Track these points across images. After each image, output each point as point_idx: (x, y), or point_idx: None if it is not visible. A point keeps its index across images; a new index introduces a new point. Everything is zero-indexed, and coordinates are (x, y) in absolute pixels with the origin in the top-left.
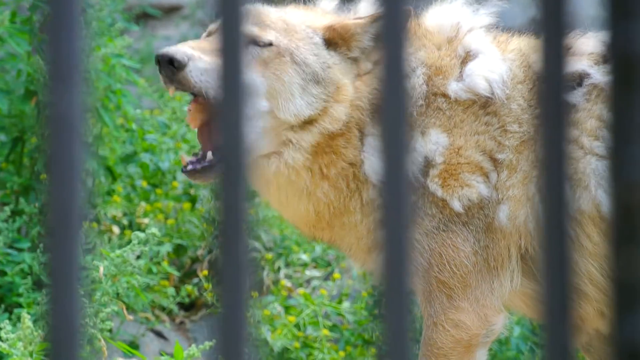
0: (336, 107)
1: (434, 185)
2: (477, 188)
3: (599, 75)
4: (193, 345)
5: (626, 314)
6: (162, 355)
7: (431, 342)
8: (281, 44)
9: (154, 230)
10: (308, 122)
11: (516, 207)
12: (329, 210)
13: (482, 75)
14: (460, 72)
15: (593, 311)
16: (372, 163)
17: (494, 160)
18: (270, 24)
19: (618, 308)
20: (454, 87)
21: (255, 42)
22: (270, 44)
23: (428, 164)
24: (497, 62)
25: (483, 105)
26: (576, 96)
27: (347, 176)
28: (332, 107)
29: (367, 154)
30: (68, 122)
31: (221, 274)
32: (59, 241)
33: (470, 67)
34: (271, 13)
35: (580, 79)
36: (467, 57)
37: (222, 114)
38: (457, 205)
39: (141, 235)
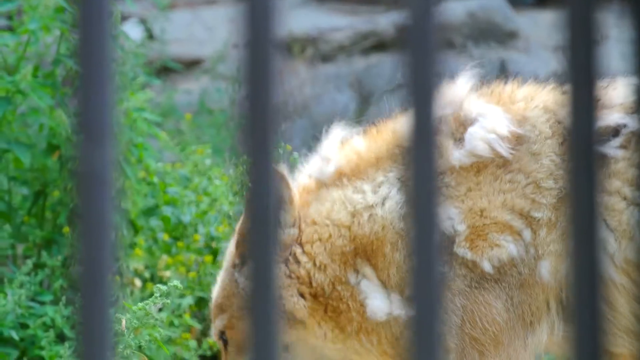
0: None
1: (462, 250)
2: (507, 248)
3: (635, 122)
4: None
5: None
6: None
7: None
8: None
9: (175, 282)
10: None
11: (557, 262)
12: None
13: (480, 138)
14: (461, 139)
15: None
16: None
17: (528, 218)
18: None
19: None
20: (456, 156)
21: None
22: None
23: (452, 236)
24: (497, 121)
25: (502, 164)
26: (612, 147)
27: None
28: None
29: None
30: (99, 177)
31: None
32: (87, 294)
33: (470, 131)
34: None
35: (615, 130)
36: (467, 123)
37: None
38: (487, 266)
39: (163, 287)
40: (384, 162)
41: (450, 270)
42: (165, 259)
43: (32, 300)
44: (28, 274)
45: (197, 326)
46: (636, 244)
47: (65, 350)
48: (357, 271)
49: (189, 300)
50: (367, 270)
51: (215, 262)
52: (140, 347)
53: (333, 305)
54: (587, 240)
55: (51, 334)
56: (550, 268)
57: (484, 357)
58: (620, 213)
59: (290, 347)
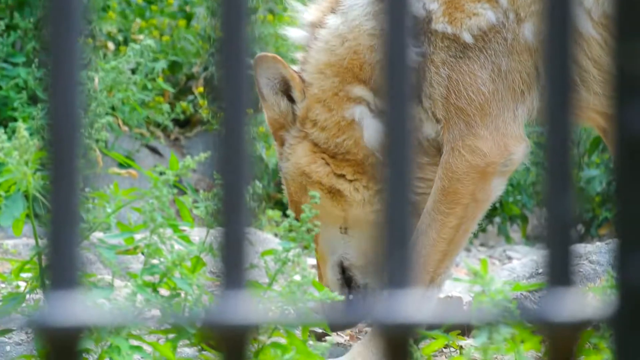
0: None
1: (441, 25)
2: (485, 15)
3: None
4: (188, 157)
5: (627, 102)
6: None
7: (447, 166)
8: None
9: (149, 42)
10: None
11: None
12: None
13: None
14: None
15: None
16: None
17: None
18: None
19: (619, 96)
20: None
21: None
22: None
23: (427, 16)
24: None
25: None
26: None
27: None
28: None
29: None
30: None
31: (218, 90)
32: (56, 55)
33: None
34: None
35: None
36: None
37: None
38: (467, 37)
39: (136, 47)
40: None
41: (430, 46)
42: (138, 22)
43: (5, 61)
44: (0, 35)
45: (171, 90)
46: None
47: (37, 111)
48: (352, 100)
49: (162, 64)
50: (360, 90)
51: (190, 27)
52: (113, 108)
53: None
54: None
55: (24, 95)
56: (534, 29)
57: (470, 127)
58: None
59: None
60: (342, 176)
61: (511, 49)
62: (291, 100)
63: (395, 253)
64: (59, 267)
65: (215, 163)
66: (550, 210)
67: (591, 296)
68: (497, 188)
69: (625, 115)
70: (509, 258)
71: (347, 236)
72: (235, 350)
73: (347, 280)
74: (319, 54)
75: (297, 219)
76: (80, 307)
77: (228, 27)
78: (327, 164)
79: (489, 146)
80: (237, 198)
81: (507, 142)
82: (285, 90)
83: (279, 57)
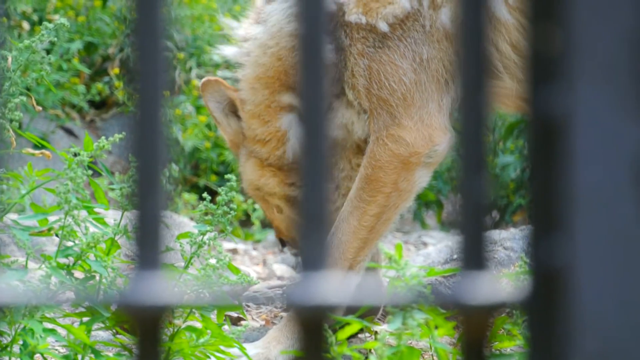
0: None
1: (354, 17)
2: (399, 3)
3: None
4: (103, 137)
5: (541, 85)
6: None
7: (371, 155)
8: None
9: (63, 20)
10: None
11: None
12: None
13: None
14: None
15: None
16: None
17: None
18: None
19: (534, 79)
20: None
21: None
22: None
23: (339, 9)
24: None
25: None
26: None
27: None
28: None
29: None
30: None
31: (134, 72)
32: None
33: None
34: None
35: None
36: None
37: None
38: (383, 26)
39: (50, 26)
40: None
41: (347, 38)
42: (54, 2)
43: None
44: None
45: (86, 71)
46: None
47: None
48: (284, 109)
49: (77, 45)
50: (288, 97)
51: (105, 7)
52: (28, 89)
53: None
54: None
55: None
56: (451, 15)
57: (394, 118)
58: None
59: None
60: (293, 184)
61: (430, 37)
62: (238, 119)
63: (312, 235)
64: None
65: (131, 145)
66: (464, 195)
67: (505, 281)
68: (421, 179)
69: (539, 98)
70: (424, 244)
71: None
72: (149, 331)
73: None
74: (248, 68)
75: (277, 231)
76: None
77: (143, 8)
78: (275, 175)
79: (412, 136)
80: (153, 179)
81: (431, 133)
82: (234, 111)
83: (221, 80)
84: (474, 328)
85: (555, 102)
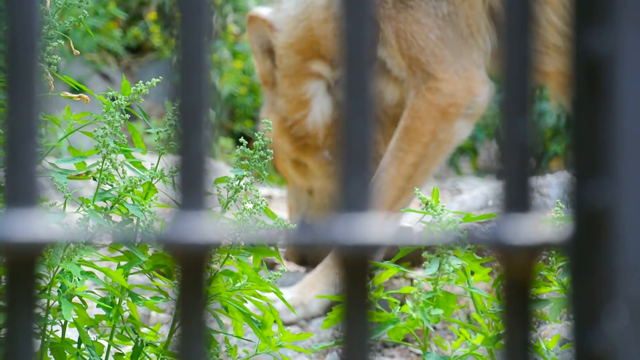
0: None
1: None
2: None
3: None
4: (140, 82)
5: (585, 26)
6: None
7: (410, 107)
8: None
9: None
10: None
11: None
12: None
13: None
14: None
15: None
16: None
17: None
18: None
19: (577, 21)
20: None
21: None
22: None
23: None
24: None
25: None
26: None
27: None
28: None
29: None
30: None
31: (171, 17)
32: None
33: None
34: None
35: None
36: None
37: None
38: None
39: None
40: None
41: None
42: None
43: None
44: None
45: (123, 16)
46: None
47: None
48: (312, 75)
49: None
50: (318, 66)
51: None
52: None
53: None
54: None
55: None
56: None
57: (429, 74)
58: None
59: None
60: (304, 154)
61: None
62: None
63: (355, 176)
64: (18, 185)
65: (170, 92)
66: (508, 136)
67: (543, 226)
68: (460, 131)
69: (582, 39)
70: (459, 190)
71: (312, 197)
72: (193, 270)
73: None
74: (281, 35)
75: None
76: (39, 225)
77: None
78: (291, 143)
79: (450, 88)
80: (197, 120)
81: (470, 84)
82: (270, 53)
83: (268, 21)
84: (517, 270)
85: (599, 44)
